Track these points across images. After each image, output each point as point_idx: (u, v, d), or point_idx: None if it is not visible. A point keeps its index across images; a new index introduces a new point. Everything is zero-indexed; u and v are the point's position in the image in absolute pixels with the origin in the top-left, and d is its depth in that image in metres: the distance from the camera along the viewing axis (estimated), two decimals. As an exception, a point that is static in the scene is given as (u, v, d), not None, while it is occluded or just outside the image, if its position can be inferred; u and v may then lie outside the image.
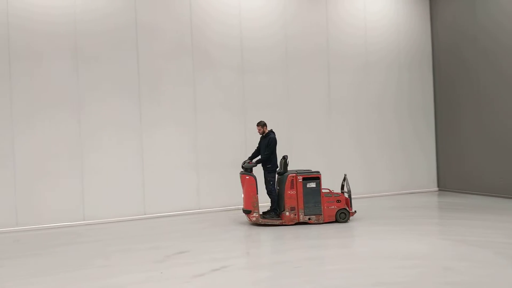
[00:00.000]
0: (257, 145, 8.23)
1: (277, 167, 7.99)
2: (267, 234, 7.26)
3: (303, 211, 7.71)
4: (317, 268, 5.42)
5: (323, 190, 7.87)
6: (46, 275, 5.39)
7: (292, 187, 7.72)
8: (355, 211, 8.02)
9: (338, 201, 7.81)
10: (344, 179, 8.21)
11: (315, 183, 7.75)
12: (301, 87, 10.46)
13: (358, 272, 5.13)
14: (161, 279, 5.09)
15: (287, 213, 7.70)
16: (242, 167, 7.97)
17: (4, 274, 5.49)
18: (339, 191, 8.50)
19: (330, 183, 9.19)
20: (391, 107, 11.26)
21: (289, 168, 8.18)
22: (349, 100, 10.89)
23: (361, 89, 10.99)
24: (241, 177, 7.93)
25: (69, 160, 8.54)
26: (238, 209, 9.13)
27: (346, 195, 8.05)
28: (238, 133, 9.82)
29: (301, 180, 7.73)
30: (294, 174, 7.75)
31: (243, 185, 7.91)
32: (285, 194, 7.71)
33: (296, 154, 9.84)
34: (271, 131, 8.07)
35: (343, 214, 7.82)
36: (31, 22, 8.34)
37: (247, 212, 7.80)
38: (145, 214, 9.02)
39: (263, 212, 8.04)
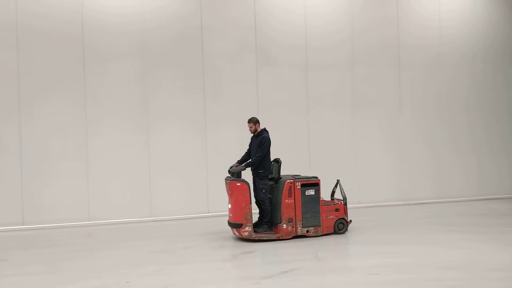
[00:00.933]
0: (248, 147, 7.05)
1: (270, 172, 6.86)
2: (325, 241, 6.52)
3: (301, 222, 6.71)
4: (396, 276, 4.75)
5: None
6: (116, 269, 5.31)
7: (290, 195, 6.67)
8: (351, 220, 7.27)
9: (337, 209, 6.98)
10: (337, 185, 7.42)
11: (314, 190, 6.81)
12: (367, 84, 10.11)
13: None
14: (228, 278, 4.93)
15: (284, 226, 6.62)
16: (229, 171, 6.68)
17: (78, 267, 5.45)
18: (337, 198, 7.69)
19: (399, 185, 10.01)
20: (469, 106, 10.80)
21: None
22: (420, 97, 10.48)
23: (432, 85, 10.56)
24: (229, 184, 6.62)
25: (137, 157, 8.80)
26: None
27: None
28: (300, 132, 9.69)
29: (299, 186, 6.72)
30: (292, 180, 6.71)
31: (231, 194, 6.62)
32: (282, 203, 6.63)
33: (361, 154, 9.98)
34: (264, 130, 6.92)
35: (341, 225, 7.00)
36: (103, 23, 8.68)
37: (236, 225, 6.53)
38: (208, 213, 9.06)
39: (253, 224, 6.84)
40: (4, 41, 8.18)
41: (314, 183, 6.83)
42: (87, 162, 8.53)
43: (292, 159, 8.95)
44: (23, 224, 8.13)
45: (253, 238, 6.52)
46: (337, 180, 7.47)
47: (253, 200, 6.80)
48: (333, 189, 7.48)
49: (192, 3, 9.10)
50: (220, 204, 8.39)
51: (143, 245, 6.55)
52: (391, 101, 10.35)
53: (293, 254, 5.87)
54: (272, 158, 6.94)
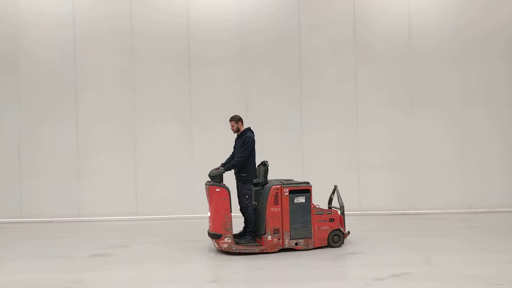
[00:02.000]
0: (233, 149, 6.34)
1: (255, 176, 6.11)
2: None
3: (289, 233, 5.92)
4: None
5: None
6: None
7: (276, 203, 5.90)
8: (349, 232, 6.42)
9: (331, 219, 6.16)
10: (334, 191, 6.59)
11: (304, 197, 6.01)
12: (477, 78, 9.08)
13: None
14: (338, 278, 4.87)
15: (269, 237, 5.86)
16: (209, 175, 5.97)
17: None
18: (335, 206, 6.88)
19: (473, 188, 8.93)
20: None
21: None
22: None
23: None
24: (208, 189, 5.91)
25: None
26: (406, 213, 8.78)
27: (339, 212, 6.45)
28: (401, 131, 9.05)
29: (287, 193, 5.94)
30: (279, 186, 5.93)
31: (210, 200, 5.91)
32: (267, 212, 5.87)
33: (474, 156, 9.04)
34: (248, 129, 6.18)
35: (336, 237, 6.17)
36: (205, 32, 9.01)
37: (215, 236, 5.81)
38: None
39: (234, 235, 6.12)
40: (121, 44, 8.87)
41: (304, 190, 6.03)
42: (191, 160, 8.87)
43: (392, 159, 8.89)
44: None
45: (233, 251, 5.78)
46: (335, 186, 6.65)
47: (237, 207, 6.09)
48: (330, 195, 6.66)
49: (290, 3, 9.04)
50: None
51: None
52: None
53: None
54: (260, 161, 6.22)
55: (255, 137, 6.14)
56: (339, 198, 6.44)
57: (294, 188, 5.98)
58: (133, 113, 8.91)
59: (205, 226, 6.34)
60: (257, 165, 6.21)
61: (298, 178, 8.38)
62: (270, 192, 5.88)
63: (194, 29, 8.97)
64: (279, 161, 8.71)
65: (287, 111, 9.08)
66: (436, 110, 9.07)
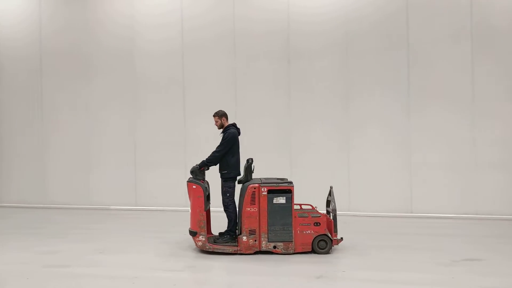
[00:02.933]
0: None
1: (237, 173, 5.91)
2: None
3: (266, 235, 5.60)
4: None
5: (303, 208, 5.78)
6: None
7: (252, 202, 5.62)
8: (341, 238, 5.83)
9: (317, 223, 5.65)
10: (330, 193, 6.04)
11: (285, 198, 5.62)
12: None
13: None
14: (453, 284, 4.54)
15: (244, 238, 5.61)
16: (190, 172, 5.94)
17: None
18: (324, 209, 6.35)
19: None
20: None
21: (260, 175, 6.09)
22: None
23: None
24: (187, 186, 5.89)
25: (337, 152, 8.55)
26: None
27: (331, 215, 5.91)
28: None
29: (265, 192, 5.62)
30: (257, 184, 5.65)
31: (189, 197, 5.88)
32: (243, 211, 5.63)
33: None
34: (232, 125, 6.00)
35: (323, 242, 5.65)
36: (307, 25, 8.66)
37: (192, 233, 5.76)
38: (412, 212, 8.23)
39: (219, 234, 6.00)
40: (225, 45, 8.96)
41: (285, 190, 5.64)
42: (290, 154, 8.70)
43: (508, 157, 7.94)
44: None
45: (207, 250, 5.67)
46: (330, 187, 6.09)
47: (220, 205, 5.96)
48: (327, 197, 6.12)
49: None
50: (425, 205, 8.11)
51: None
52: None
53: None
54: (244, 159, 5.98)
55: (239, 133, 5.96)
56: (332, 200, 5.89)
57: (274, 188, 5.63)
58: (234, 107, 8.87)
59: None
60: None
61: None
62: (247, 191, 5.63)
63: (294, 24, 8.67)
64: (383, 160, 8.39)
65: (391, 105, 8.34)
66: None
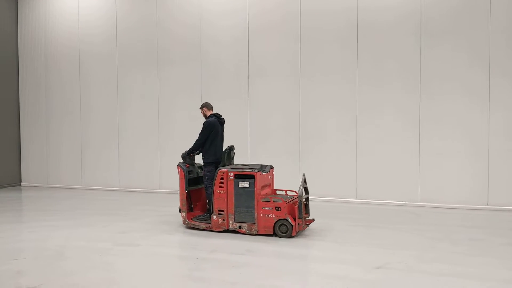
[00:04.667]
0: None
1: (215, 159, 6.51)
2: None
3: (233, 216, 6.12)
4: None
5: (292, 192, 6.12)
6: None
7: (221, 185, 6.19)
8: (307, 225, 5.96)
9: (278, 208, 5.92)
10: (303, 180, 6.18)
11: (249, 183, 6.03)
12: None
13: None
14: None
15: (215, 217, 6.23)
16: (181, 157, 6.77)
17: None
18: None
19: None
20: None
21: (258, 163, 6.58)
22: None
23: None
24: (177, 169, 6.76)
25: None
26: None
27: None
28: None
29: (232, 177, 6.12)
30: (225, 170, 6.18)
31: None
32: (214, 193, 6.24)
33: None
34: (212, 115, 6.61)
35: (283, 227, 5.90)
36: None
37: (179, 210, 6.63)
38: (487, 205, 7.76)
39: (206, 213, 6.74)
40: (290, 29, 8.95)
41: (249, 175, 6.04)
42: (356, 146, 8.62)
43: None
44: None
45: (187, 225, 6.46)
46: (303, 174, 6.22)
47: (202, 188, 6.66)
48: (302, 184, 6.26)
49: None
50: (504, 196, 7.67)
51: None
52: None
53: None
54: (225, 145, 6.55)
55: (221, 122, 6.55)
56: (300, 187, 6.04)
57: (239, 173, 6.08)
58: (298, 97, 8.94)
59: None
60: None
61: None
62: (217, 174, 6.21)
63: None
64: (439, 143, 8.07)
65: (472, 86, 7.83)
66: None
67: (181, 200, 6.51)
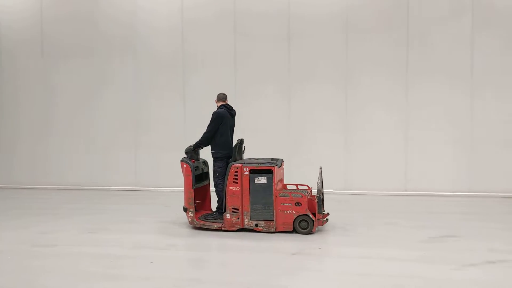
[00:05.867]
0: None
1: (226, 153, 6.09)
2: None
3: (248, 214, 5.76)
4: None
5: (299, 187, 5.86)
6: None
7: (235, 182, 5.80)
8: (327, 219, 5.76)
9: (298, 203, 5.66)
10: (320, 174, 5.97)
11: (266, 178, 5.70)
12: None
13: None
14: (426, 260, 4.61)
15: (228, 216, 5.83)
16: (184, 152, 6.27)
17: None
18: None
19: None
20: None
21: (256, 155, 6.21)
22: None
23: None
24: (180, 165, 6.25)
25: (334, 133, 8.61)
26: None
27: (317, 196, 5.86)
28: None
29: (247, 172, 5.75)
30: (240, 164, 5.80)
31: (183, 175, 6.24)
32: (227, 190, 5.84)
33: None
34: (221, 106, 6.18)
35: (304, 223, 5.65)
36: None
37: (184, 210, 6.13)
38: (406, 191, 8.34)
39: (213, 211, 6.32)
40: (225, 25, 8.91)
41: (266, 170, 5.71)
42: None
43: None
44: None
45: (195, 225, 6.00)
46: (320, 168, 6.01)
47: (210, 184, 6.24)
48: (319, 179, 6.05)
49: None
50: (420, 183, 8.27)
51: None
52: None
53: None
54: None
55: (232, 114, 6.17)
56: (319, 181, 5.83)
57: (255, 168, 5.73)
58: (234, 87, 8.87)
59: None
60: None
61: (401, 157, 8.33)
62: (230, 170, 5.81)
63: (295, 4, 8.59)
64: (383, 138, 8.44)
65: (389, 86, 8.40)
66: None
67: (187, 199, 6.02)
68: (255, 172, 5.73)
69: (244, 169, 5.75)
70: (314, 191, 6.12)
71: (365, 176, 8.48)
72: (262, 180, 5.71)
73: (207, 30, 9.00)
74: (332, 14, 8.47)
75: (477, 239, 5.37)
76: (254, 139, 7.76)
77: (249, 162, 5.82)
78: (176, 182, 8.22)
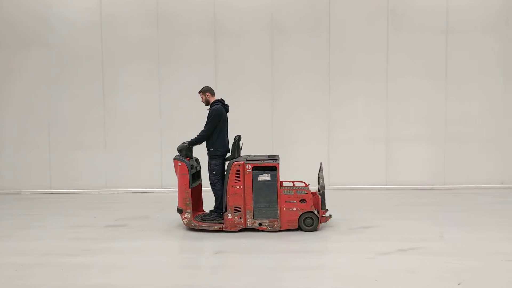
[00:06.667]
0: None
1: (225, 150, 5.83)
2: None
3: (251, 213, 5.54)
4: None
5: (294, 184, 5.69)
6: None
7: (237, 180, 5.55)
8: (330, 215, 5.71)
9: (303, 200, 5.55)
10: (320, 170, 5.90)
11: (270, 175, 5.52)
12: None
13: None
14: (342, 251, 4.79)
15: (230, 215, 5.57)
16: (177, 149, 5.90)
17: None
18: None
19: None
20: None
21: (248, 153, 5.98)
22: None
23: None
24: (174, 163, 5.87)
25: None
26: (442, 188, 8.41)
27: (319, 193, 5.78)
28: (435, 105, 8.53)
29: (250, 170, 5.53)
30: (241, 162, 5.56)
31: (176, 174, 5.87)
32: (228, 189, 5.57)
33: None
34: (218, 101, 5.89)
35: (309, 220, 5.55)
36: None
37: (179, 211, 5.76)
38: (329, 185, 8.42)
39: (210, 211, 6.01)
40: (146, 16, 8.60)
41: (270, 167, 5.53)
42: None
43: (426, 133, 8.52)
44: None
45: (193, 227, 5.67)
46: (320, 163, 5.94)
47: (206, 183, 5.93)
48: (318, 174, 5.98)
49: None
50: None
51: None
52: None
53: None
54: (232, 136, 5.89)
55: (227, 110, 5.86)
56: (320, 177, 5.76)
57: (259, 165, 5.53)
58: (158, 85, 8.64)
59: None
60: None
61: (324, 154, 8.41)
62: (232, 168, 5.55)
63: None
64: (306, 138, 8.62)
65: (315, 87, 8.58)
66: (477, 82, 8.42)
67: (183, 199, 5.66)
68: (258, 169, 5.53)
69: (247, 167, 5.52)
70: (312, 188, 6.06)
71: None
72: (266, 177, 5.52)
73: (127, 26, 8.62)
74: (258, 17, 8.52)
75: (392, 229, 5.60)
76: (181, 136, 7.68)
77: (251, 160, 5.60)
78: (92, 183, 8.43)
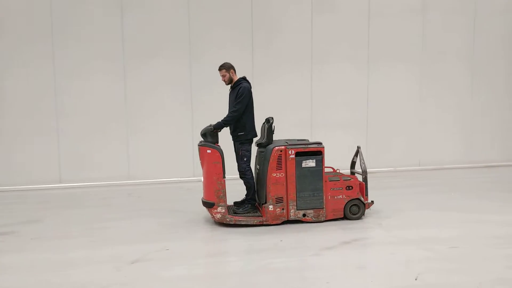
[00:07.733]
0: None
1: (254, 134, 5.14)
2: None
3: (294, 203, 4.97)
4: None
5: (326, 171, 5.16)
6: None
7: (279, 167, 4.92)
8: (372, 201, 5.35)
9: (349, 187, 5.10)
10: (357, 154, 5.48)
11: (315, 160, 4.97)
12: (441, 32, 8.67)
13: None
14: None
15: (271, 207, 4.95)
16: (200, 134, 5.08)
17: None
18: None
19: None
20: None
21: (275, 137, 5.31)
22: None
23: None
24: (199, 151, 5.06)
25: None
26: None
27: (360, 177, 5.38)
28: (359, 88, 8.49)
29: (293, 155, 4.93)
30: (283, 147, 4.94)
31: (202, 163, 5.06)
32: (268, 177, 4.93)
33: (425, 112, 8.84)
34: (243, 79, 5.15)
35: (355, 207, 5.14)
36: None
37: (208, 205, 5.00)
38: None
39: (234, 203, 5.31)
40: None
41: (315, 151, 4.98)
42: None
43: (350, 118, 8.44)
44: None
45: (228, 222, 4.96)
46: (358, 147, 5.51)
47: (234, 171, 5.21)
48: (353, 158, 5.56)
49: None
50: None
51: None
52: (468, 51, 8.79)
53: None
54: (260, 118, 5.21)
55: (251, 89, 5.15)
56: (362, 162, 5.34)
57: (302, 150, 4.95)
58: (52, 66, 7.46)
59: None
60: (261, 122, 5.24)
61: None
62: (272, 154, 4.91)
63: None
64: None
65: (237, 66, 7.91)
66: (398, 64, 8.61)
67: (215, 191, 4.90)
68: (301, 154, 4.94)
69: (290, 152, 4.91)
70: (344, 171, 5.64)
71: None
72: (311, 163, 4.96)
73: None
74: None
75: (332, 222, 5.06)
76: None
77: (294, 144, 4.98)
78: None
